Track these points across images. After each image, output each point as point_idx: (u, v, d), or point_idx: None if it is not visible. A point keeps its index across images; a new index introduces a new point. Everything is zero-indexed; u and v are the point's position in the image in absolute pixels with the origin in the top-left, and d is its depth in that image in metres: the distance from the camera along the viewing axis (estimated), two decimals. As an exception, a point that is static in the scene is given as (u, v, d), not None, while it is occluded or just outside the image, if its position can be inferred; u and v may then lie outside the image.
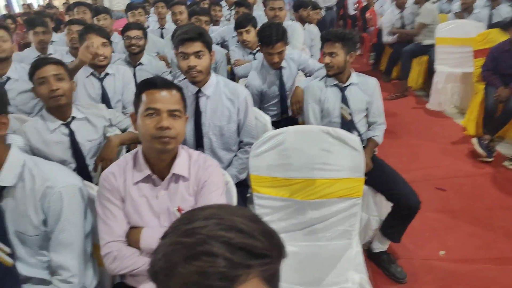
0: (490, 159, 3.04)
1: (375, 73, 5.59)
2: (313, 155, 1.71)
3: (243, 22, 2.87)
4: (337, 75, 2.05)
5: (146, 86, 1.18)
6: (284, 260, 0.54)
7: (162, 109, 1.15)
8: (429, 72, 4.35)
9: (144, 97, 1.17)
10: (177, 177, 1.23)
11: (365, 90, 2.09)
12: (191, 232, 0.50)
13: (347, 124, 2.06)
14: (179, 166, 1.22)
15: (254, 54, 2.97)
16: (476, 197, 2.64)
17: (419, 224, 1.89)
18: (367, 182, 1.79)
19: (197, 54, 1.67)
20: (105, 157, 1.74)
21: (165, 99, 1.16)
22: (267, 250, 0.50)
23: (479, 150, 3.06)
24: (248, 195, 1.91)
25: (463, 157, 3.18)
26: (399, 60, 4.78)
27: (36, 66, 1.62)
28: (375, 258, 2.04)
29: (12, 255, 1.15)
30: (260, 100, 2.49)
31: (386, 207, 2.05)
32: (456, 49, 4.00)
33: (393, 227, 1.94)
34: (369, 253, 2.06)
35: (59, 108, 1.66)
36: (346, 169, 1.70)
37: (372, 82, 2.12)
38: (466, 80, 3.94)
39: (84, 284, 1.22)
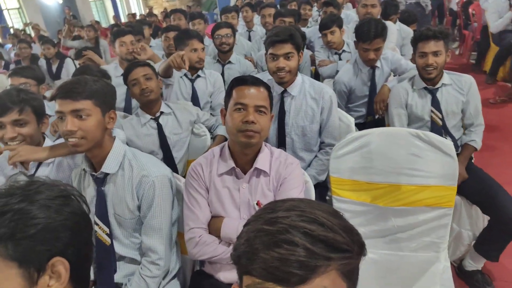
0: None
1: (476, 74, 5.04)
2: (400, 159, 1.60)
3: (327, 23, 2.84)
4: (434, 79, 1.89)
5: (237, 82, 1.26)
6: (364, 257, 0.55)
7: (249, 104, 1.20)
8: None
9: (234, 93, 1.24)
10: (258, 172, 1.27)
11: (459, 89, 1.91)
12: (274, 221, 0.53)
13: (438, 130, 1.89)
14: (261, 161, 1.26)
15: (340, 54, 2.90)
16: None
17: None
18: (460, 191, 1.63)
19: (287, 56, 1.71)
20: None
21: (253, 95, 1.21)
22: (347, 244, 0.51)
23: None
24: (327, 197, 1.87)
25: None
26: (507, 58, 4.23)
27: (128, 70, 1.85)
28: (467, 277, 1.84)
29: (110, 235, 1.30)
30: (347, 99, 2.41)
31: (482, 220, 1.83)
32: None
33: (489, 243, 1.72)
34: (460, 270, 1.87)
35: (148, 104, 1.88)
36: (436, 176, 1.56)
37: (467, 80, 1.93)
38: None
39: (169, 267, 1.32)
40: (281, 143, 1.84)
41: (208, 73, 2.44)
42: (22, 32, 7.03)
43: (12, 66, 4.59)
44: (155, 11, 13.79)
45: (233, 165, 1.27)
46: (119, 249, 1.31)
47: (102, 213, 1.28)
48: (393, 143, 1.62)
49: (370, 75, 2.34)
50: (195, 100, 2.37)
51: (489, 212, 1.72)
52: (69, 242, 0.64)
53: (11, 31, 7.92)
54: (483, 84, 4.64)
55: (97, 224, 1.28)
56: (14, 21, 11.53)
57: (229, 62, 2.82)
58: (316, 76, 3.10)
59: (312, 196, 1.44)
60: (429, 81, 1.92)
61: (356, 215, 1.68)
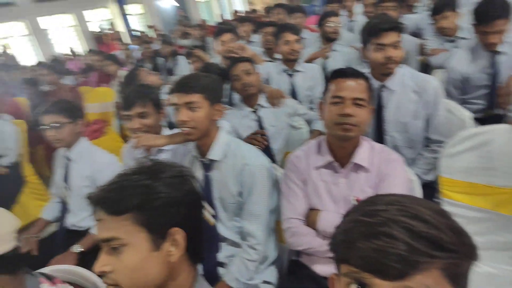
0: None
1: None
2: (530, 161, 1.38)
3: (439, 7, 2.57)
4: None
5: (335, 75, 1.23)
6: (475, 263, 0.51)
7: (346, 96, 1.17)
8: None
9: (332, 85, 1.22)
10: (357, 167, 1.23)
11: None
12: (373, 213, 0.52)
13: None
14: (360, 156, 1.22)
15: (453, 41, 2.60)
16: None
17: None
18: None
19: (395, 45, 1.60)
20: None
21: (351, 87, 1.18)
22: (454, 245, 0.48)
23: None
24: (435, 200, 1.71)
25: None
26: None
27: (231, 65, 1.99)
28: None
29: (215, 216, 1.41)
30: (462, 89, 2.16)
31: None
32: None
33: None
34: None
35: (248, 97, 1.99)
36: None
37: None
38: None
39: (266, 253, 1.38)
40: (379, 140, 1.72)
41: (307, 67, 2.44)
42: (145, 34, 7.98)
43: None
44: (257, 7, 14.23)
45: (331, 158, 1.25)
46: (222, 230, 1.41)
47: (208, 196, 1.40)
48: (523, 142, 1.40)
49: (491, 61, 2.05)
50: (293, 95, 2.39)
51: None
52: (186, 216, 0.73)
53: (137, 33, 9.06)
54: None
55: None
56: (139, 25, 13.16)
57: (334, 50, 2.77)
58: (425, 66, 2.84)
59: (418, 196, 1.33)
60: None
61: (471, 221, 1.50)
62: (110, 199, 0.69)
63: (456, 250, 0.48)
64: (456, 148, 1.49)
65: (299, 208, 1.28)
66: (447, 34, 2.63)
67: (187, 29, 6.75)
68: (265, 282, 1.35)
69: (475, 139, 1.46)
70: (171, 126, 2.00)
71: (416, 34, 3.23)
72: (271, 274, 1.39)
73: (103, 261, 0.70)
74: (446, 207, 1.54)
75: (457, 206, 1.52)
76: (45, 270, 1.08)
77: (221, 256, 1.38)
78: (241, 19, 5.05)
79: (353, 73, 1.21)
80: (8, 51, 7.86)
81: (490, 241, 1.47)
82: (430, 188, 1.70)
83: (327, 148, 1.27)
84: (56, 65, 4.39)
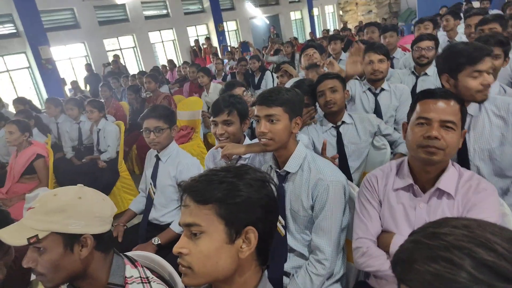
0: None
1: None
2: None
3: None
4: None
5: (422, 95, 1.18)
6: None
7: (434, 118, 1.12)
8: None
9: (418, 106, 1.17)
10: (441, 193, 1.16)
11: None
12: (435, 236, 0.50)
13: None
14: (446, 182, 1.14)
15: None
16: None
17: None
18: None
19: (489, 70, 1.48)
20: None
21: (440, 109, 1.12)
22: None
23: None
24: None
25: None
26: None
27: (318, 81, 2.01)
28: None
29: (285, 227, 1.43)
30: None
31: None
32: None
33: None
34: None
35: (331, 114, 1.99)
36: None
37: None
38: None
39: (333, 270, 1.35)
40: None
41: (394, 87, 2.37)
42: (237, 50, 8.43)
43: (228, 78, 5.59)
44: (350, 26, 14.10)
45: (411, 181, 1.19)
46: (290, 241, 1.43)
47: (281, 206, 1.43)
48: None
49: None
50: (378, 114, 2.34)
51: None
52: (261, 217, 0.77)
53: (228, 48, 9.62)
54: None
55: None
56: (232, 40, 14.00)
57: (425, 74, 2.63)
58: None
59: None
60: None
61: None
62: (198, 188, 0.76)
63: None
64: None
65: (372, 229, 1.24)
66: None
67: (278, 45, 6.98)
68: (329, 298, 1.33)
69: None
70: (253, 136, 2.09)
71: None
72: (337, 291, 1.36)
73: (182, 244, 0.76)
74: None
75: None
76: (129, 253, 1.20)
77: (287, 266, 1.39)
78: (330, 37, 5.06)
79: (442, 94, 1.14)
80: (119, 61, 8.94)
81: None
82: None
83: (408, 170, 1.21)
84: (155, 74, 4.87)
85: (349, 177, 1.94)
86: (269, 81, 5.08)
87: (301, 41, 13.36)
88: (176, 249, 0.77)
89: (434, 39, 2.65)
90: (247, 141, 1.78)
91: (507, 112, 1.53)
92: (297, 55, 5.90)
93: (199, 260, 0.75)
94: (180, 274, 0.94)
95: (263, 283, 0.81)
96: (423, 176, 1.18)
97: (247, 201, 0.76)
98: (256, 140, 1.67)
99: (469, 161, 1.60)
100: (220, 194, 0.75)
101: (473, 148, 1.58)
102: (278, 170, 1.45)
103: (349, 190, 1.42)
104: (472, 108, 1.58)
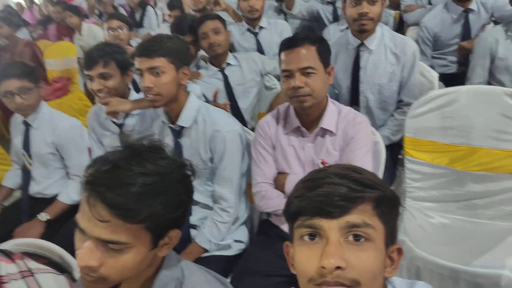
0: None
1: None
2: (487, 121, 1.46)
3: None
4: None
5: (281, 46, 1.23)
6: (399, 206, 0.65)
7: (293, 69, 1.18)
8: None
9: (282, 57, 1.22)
10: (324, 131, 1.26)
11: None
12: (316, 174, 0.64)
13: None
14: (327, 121, 1.25)
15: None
16: None
17: None
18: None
19: (371, 0, 1.57)
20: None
21: (297, 58, 1.18)
22: (380, 185, 0.61)
23: None
24: (400, 156, 1.80)
25: None
26: None
27: (198, 23, 1.90)
28: None
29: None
30: (434, 46, 2.20)
31: None
32: None
33: None
34: None
35: (216, 57, 1.94)
36: (529, 141, 1.40)
37: None
38: None
39: (238, 214, 1.43)
40: (354, 101, 1.76)
41: (273, 23, 2.37)
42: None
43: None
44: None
45: (298, 124, 1.27)
46: (195, 195, 1.43)
47: None
48: (483, 103, 1.47)
49: (462, 19, 2.08)
50: (261, 53, 2.32)
51: None
52: (184, 215, 0.75)
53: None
54: None
55: None
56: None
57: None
58: (400, 22, 2.83)
59: (382, 158, 1.40)
60: None
61: (429, 177, 1.61)
62: (126, 207, 0.64)
63: (381, 189, 0.61)
64: (421, 109, 1.55)
65: (268, 173, 1.32)
66: None
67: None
68: (237, 241, 1.41)
69: (439, 100, 1.52)
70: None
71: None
72: (242, 234, 1.45)
73: (92, 256, 0.65)
74: (408, 165, 1.63)
75: (418, 163, 1.62)
76: (5, 245, 1.02)
77: (193, 219, 1.42)
78: None
79: (298, 41, 1.18)
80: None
81: (444, 194, 1.60)
82: (396, 146, 1.78)
83: (295, 114, 1.29)
84: (9, 16, 4.01)
85: (241, 118, 1.97)
86: (152, 18, 4.60)
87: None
88: (84, 262, 0.65)
89: None
90: (133, 95, 1.64)
91: (402, 51, 1.66)
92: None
93: (118, 271, 0.67)
94: (73, 255, 0.86)
95: (168, 257, 0.78)
96: (307, 118, 1.27)
97: (179, 210, 0.71)
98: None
99: (359, 92, 1.75)
100: (154, 210, 0.66)
101: (366, 81, 1.72)
102: (171, 125, 1.39)
103: (245, 137, 1.45)
104: (371, 42, 1.68)
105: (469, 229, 1.52)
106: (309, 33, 1.50)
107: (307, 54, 1.18)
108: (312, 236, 0.59)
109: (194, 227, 1.41)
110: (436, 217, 1.59)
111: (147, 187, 0.66)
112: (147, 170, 0.68)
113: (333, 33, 2.28)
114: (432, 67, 1.96)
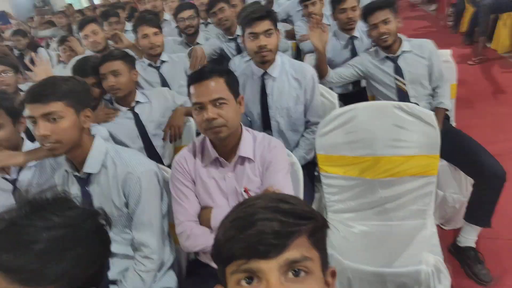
0: None
1: (455, 36, 5.06)
2: (384, 132, 1.62)
3: None
4: (391, 46, 1.97)
5: (189, 80, 1.23)
6: (329, 229, 0.63)
7: (204, 101, 1.17)
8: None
9: (191, 90, 1.22)
10: (242, 159, 1.26)
11: (420, 54, 1.97)
12: (245, 209, 0.59)
13: (405, 97, 1.96)
14: (244, 149, 1.25)
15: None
16: None
17: (504, 202, 1.70)
18: (442, 156, 1.65)
19: (267, 33, 1.66)
20: (173, 124, 1.89)
21: (207, 90, 1.18)
22: (312, 214, 0.60)
23: None
24: (316, 173, 1.89)
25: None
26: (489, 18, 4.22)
27: (99, 63, 1.79)
28: (460, 253, 1.82)
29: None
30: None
31: (465, 183, 1.89)
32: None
33: (478, 208, 1.75)
34: (453, 248, 1.86)
35: (123, 97, 1.84)
36: (419, 146, 1.59)
37: (427, 44, 2.00)
38: None
39: (163, 260, 1.33)
40: (266, 126, 1.82)
41: (175, 56, 2.36)
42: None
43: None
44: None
45: (216, 155, 1.26)
46: (111, 246, 1.30)
47: None
48: (378, 116, 1.63)
49: (350, 45, 2.33)
50: (165, 86, 2.28)
51: (472, 173, 1.76)
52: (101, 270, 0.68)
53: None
54: (461, 45, 4.67)
55: None
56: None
57: (198, 43, 2.74)
58: (298, 50, 3.06)
59: (300, 177, 1.45)
60: (387, 49, 1.99)
61: (345, 189, 1.71)
62: (29, 269, 0.56)
63: (314, 218, 0.59)
64: (327, 127, 1.66)
65: (191, 210, 1.26)
66: None
67: (48, 16, 5.86)
68: (165, 288, 1.31)
69: (342, 117, 1.65)
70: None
71: (287, 20, 3.44)
72: (170, 279, 1.35)
73: None
74: (325, 180, 1.72)
75: (333, 178, 1.71)
76: None
77: (112, 273, 1.28)
78: (113, 5, 4.58)
79: (206, 74, 1.19)
80: None
81: (360, 203, 1.71)
82: (311, 164, 1.87)
83: (211, 146, 1.27)
84: None
85: (157, 157, 1.89)
86: (44, 59, 4.24)
87: (78, 7, 11.67)
88: None
89: (193, 7, 2.77)
90: (27, 145, 1.45)
91: (302, 76, 1.77)
92: (75, 27, 5.15)
93: None
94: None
95: None
96: (224, 148, 1.26)
97: (95, 264, 0.64)
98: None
99: (269, 117, 1.81)
100: (65, 268, 0.59)
101: (275, 106, 1.79)
102: (77, 173, 1.26)
103: (163, 175, 1.38)
104: (273, 70, 1.76)
105: (386, 232, 1.63)
106: (216, 66, 1.53)
107: (217, 86, 1.18)
108: (250, 279, 0.55)
109: (114, 282, 1.27)
110: (356, 226, 1.68)
111: (54, 242, 0.58)
112: (53, 224, 0.60)
113: (238, 64, 2.36)
114: (331, 88, 2.14)
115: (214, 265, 1.21)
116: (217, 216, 1.22)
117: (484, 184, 1.71)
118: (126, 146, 1.73)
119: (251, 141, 1.28)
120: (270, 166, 1.25)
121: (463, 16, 4.94)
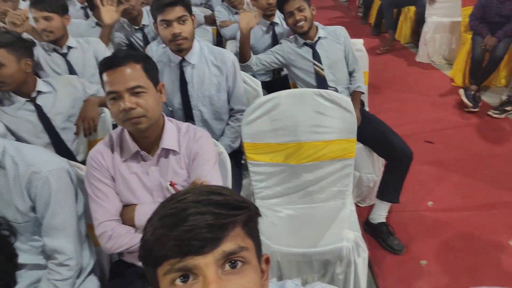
0: (476, 109, 3.08)
1: (364, 27, 5.45)
2: (306, 119, 1.68)
3: None
4: (307, 32, 2.04)
5: (102, 67, 1.10)
6: (261, 218, 0.61)
7: (120, 90, 1.06)
8: (417, 24, 4.25)
9: (104, 78, 1.09)
10: (166, 152, 1.19)
11: (337, 40, 2.10)
12: (175, 204, 0.55)
13: (323, 81, 2.06)
14: (168, 140, 1.18)
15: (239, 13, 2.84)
16: (463, 147, 2.70)
17: (408, 178, 1.91)
18: (360, 140, 1.78)
19: (180, 20, 1.57)
20: (86, 116, 1.72)
21: (122, 78, 1.06)
22: (244, 203, 0.57)
23: (466, 100, 3.10)
24: (243, 161, 1.89)
25: (451, 108, 3.21)
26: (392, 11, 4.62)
27: None
28: (374, 230, 1.99)
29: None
30: None
31: (377, 163, 2.06)
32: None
33: (388, 186, 1.93)
34: (367, 225, 2.03)
35: (19, 88, 1.60)
36: (338, 130, 1.68)
37: (340, 30, 2.14)
38: (454, 30, 3.87)
39: (82, 265, 1.21)
40: (188, 116, 1.75)
41: (84, 42, 2.11)
42: None
43: None
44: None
45: (137, 148, 1.16)
46: (19, 257, 1.14)
47: None
48: (300, 104, 1.68)
49: (271, 31, 2.36)
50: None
51: (384, 154, 1.94)
52: None
53: None
54: (370, 35, 5.05)
55: None
56: None
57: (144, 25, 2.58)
58: (219, 37, 3.01)
59: (228, 166, 1.43)
60: (304, 35, 2.07)
61: (272, 175, 1.74)
62: None
63: (247, 207, 0.57)
64: (252, 115, 1.66)
65: (112, 209, 1.16)
66: (235, 7, 2.82)
67: None
68: (87, 295, 1.20)
69: (266, 105, 1.66)
70: None
71: (206, 5, 3.35)
72: (92, 284, 1.25)
73: None
74: (252, 168, 1.73)
75: (259, 165, 1.73)
76: None
77: (21, 287, 1.13)
78: None
79: (121, 60, 1.08)
80: None
81: (286, 188, 1.76)
82: (238, 152, 1.87)
83: (131, 138, 1.16)
84: None
85: (68, 153, 1.70)
86: None
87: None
88: None
89: None
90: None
91: (222, 62, 1.70)
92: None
93: None
94: None
95: None
96: (145, 141, 1.17)
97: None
98: None
99: (191, 107, 1.74)
100: None
101: (196, 95, 1.71)
102: None
103: (76, 172, 1.25)
104: (192, 57, 1.68)
105: (310, 214, 1.71)
106: (131, 51, 1.38)
107: (133, 73, 1.08)
108: (185, 277, 0.52)
109: (24, 297, 1.13)
110: (283, 211, 1.73)
111: None
112: None
113: (156, 50, 2.23)
114: (254, 76, 2.14)
115: (140, 264, 1.16)
116: (142, 214, 1.15)
117: (394, 163, 1.89)
118: (28, 143, 1.54)
119: (175, 132, 1.21)
120: (197, 158, 1.20)
121: (371, 8, 5.33)
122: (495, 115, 3.00)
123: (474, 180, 2.35)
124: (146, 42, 2.55)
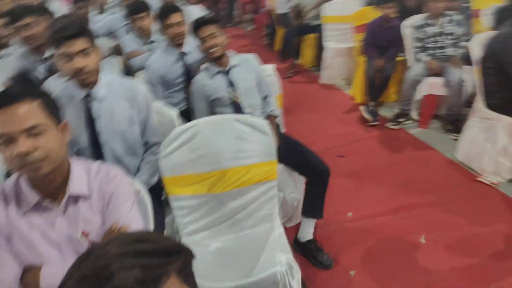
0: (376, 123, 3.41)
1: (271, 53, 5.74)
2: (226, 145, 1.66)
3: (139, 7, 2.67)
4: (220, 59, 2.08)
5: None
6: (195, 260, 0.55)
7: (14, 132, 0.91)
8: (319, 49, 4.61)
9: None
10: (75, 198, 1.05)
11: (249, 67, 2.15)
12: (95, 261, 0.47)
13: (239, 108, 2.08)
14: (76, 185, 1.04)
15: (151, 43, 2.74)
16: (370, 157, 2.96)
17: (328, 193, 2.00)
18: (280, 161, 1.81)
19: (83, 53, 1.44)
20: None
21: (16, 117, 0.92)
22: (177, 247, 0.52)
23: (367, 115, 3.44)
24: (163, 198, 1.77)
25: (355, 123, 3.52)
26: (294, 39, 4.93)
27: None
28: (303, 248, 2.02)
29: None
30: (164, 86, 2.35)
31: (300, 182, 2.12)
32: (340, 26, 4.31)
33: (312, 202, 1.99)
34: (296, 244, 2.05)
35: None
36: (259, 154, 1.69)
37: (252, 58, 2.22)
38: (350, 54, 4.29)
39: None
40: (98, 154, 1.58)
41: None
42: None
43: None
44: None
45: (37, 198, 1.00)
46: None
47: None
48: (219, 130, 1.66)
49: (182, 60, 2.33)
50: None
51: (304, 172, 2.01)
52: None
53: None
54: (277, 61, 5.34)
55: None
56: None
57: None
58: (127, 68, 2.86)
59: (148, 205, 1.32)
60: (217, 61, 2.09)
61: (196, 208, 1.67)
62: None
63: (180, 251, 0.51)
64: (170, 147, 1.59)
65: (6, 277, 0.96)
66: (145, 35, 2.73)
67: None
68: None
69: (184, 135, 1.61)
70: None
71: (111, 36, 3.19)
72: None
73: None
74: (174, 203, 1.63)
75: (182, 199, 1.65)
76: None
77: None
78: None
79: (13, 97, 0.93)
80: None
81: (212, 220, 1.69)
82: (158, 189, 1.74)
83: (30, 186, 1.00)
84: None
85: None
86: None
87: None
88: None
89: None
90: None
91: (133, 95, 1.60)
92: None
93: None
94: None
95: None
96: (48, 188, 1.01)
97: None
98: None
99: (100, 145, 1.58)
100: None
101: (106, 131, 1.56)
102: None
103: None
104: (99, 90, 1.54)
105: (240, 243, 1.66)
106: (26, 86, 1.19)
107: (29, 111, 0.93)
108: None
109: None
110: (212, 244, 1.66)
111: None
112: None
113: (54, 86, 2.00)
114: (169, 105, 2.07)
115: None
116: (49, 276, 0.97)
117: (314, 180, 1.97)
118: None
119: (83, 175, 1.07)
120: (112, 200, 1.08)
121: (276, 36, 5.67)
122: (392, 127, 3.35)
123: (384, 187, 2.57)
124: (52, 72, 2.26)
